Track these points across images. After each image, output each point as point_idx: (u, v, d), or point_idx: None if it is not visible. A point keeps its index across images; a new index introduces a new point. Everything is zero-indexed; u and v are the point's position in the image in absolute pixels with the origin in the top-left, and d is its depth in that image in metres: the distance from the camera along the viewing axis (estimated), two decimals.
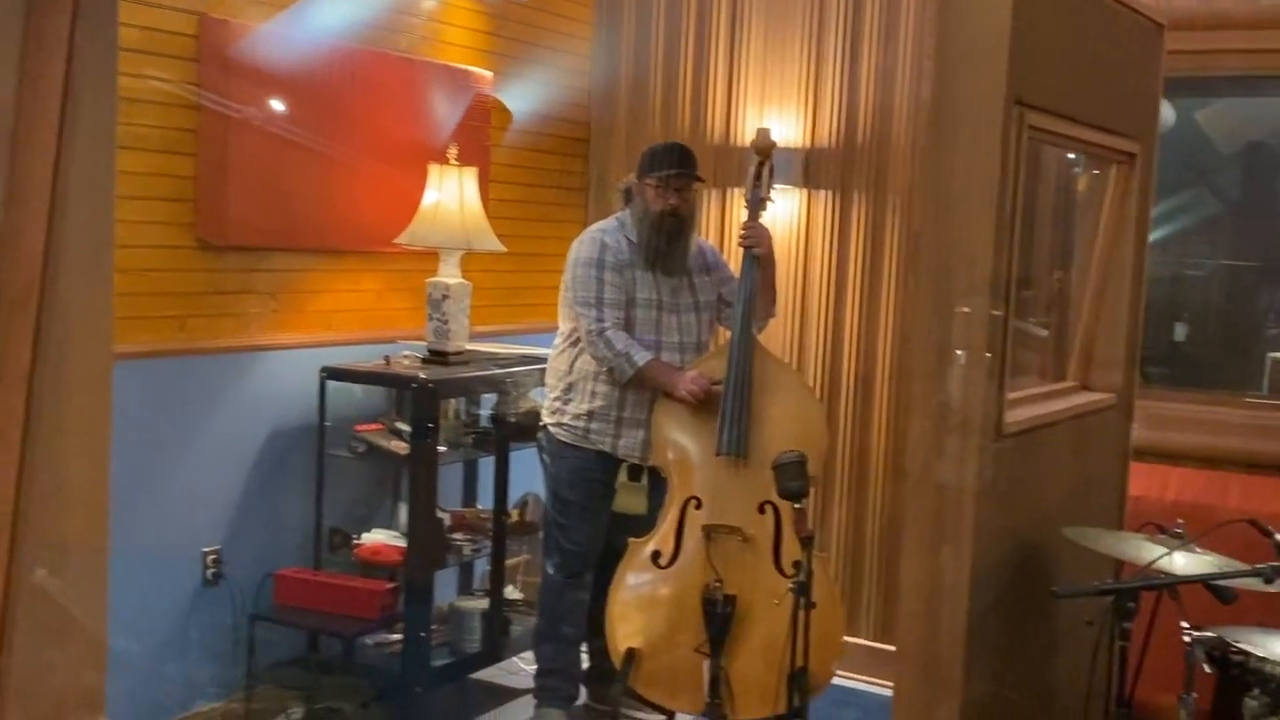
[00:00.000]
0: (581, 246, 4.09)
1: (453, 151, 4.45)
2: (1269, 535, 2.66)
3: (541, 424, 4.21)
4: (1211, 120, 5.75)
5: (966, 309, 2.68)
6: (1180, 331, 5.36)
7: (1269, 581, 2.61)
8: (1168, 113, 4.39)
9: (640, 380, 3.98)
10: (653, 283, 4.07)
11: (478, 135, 4.84)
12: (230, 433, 4.07)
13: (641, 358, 3.96)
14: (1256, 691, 2.91)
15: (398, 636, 4.27)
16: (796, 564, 3.38)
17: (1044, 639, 3.35)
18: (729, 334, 4.09)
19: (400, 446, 4.25)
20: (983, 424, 2.77)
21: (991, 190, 2.75)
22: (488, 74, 4.89)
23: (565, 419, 4.11)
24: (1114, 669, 2.71)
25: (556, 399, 4.15)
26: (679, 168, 4.03)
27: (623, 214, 4.16)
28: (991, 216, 2.69)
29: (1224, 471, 4.20)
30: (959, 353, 2.74)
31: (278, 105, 4.06)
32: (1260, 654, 2.95)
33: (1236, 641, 2.96)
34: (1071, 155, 4.31)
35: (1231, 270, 5.73)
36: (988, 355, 2.71)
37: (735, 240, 4.23)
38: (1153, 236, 3.92)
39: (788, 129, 4.90)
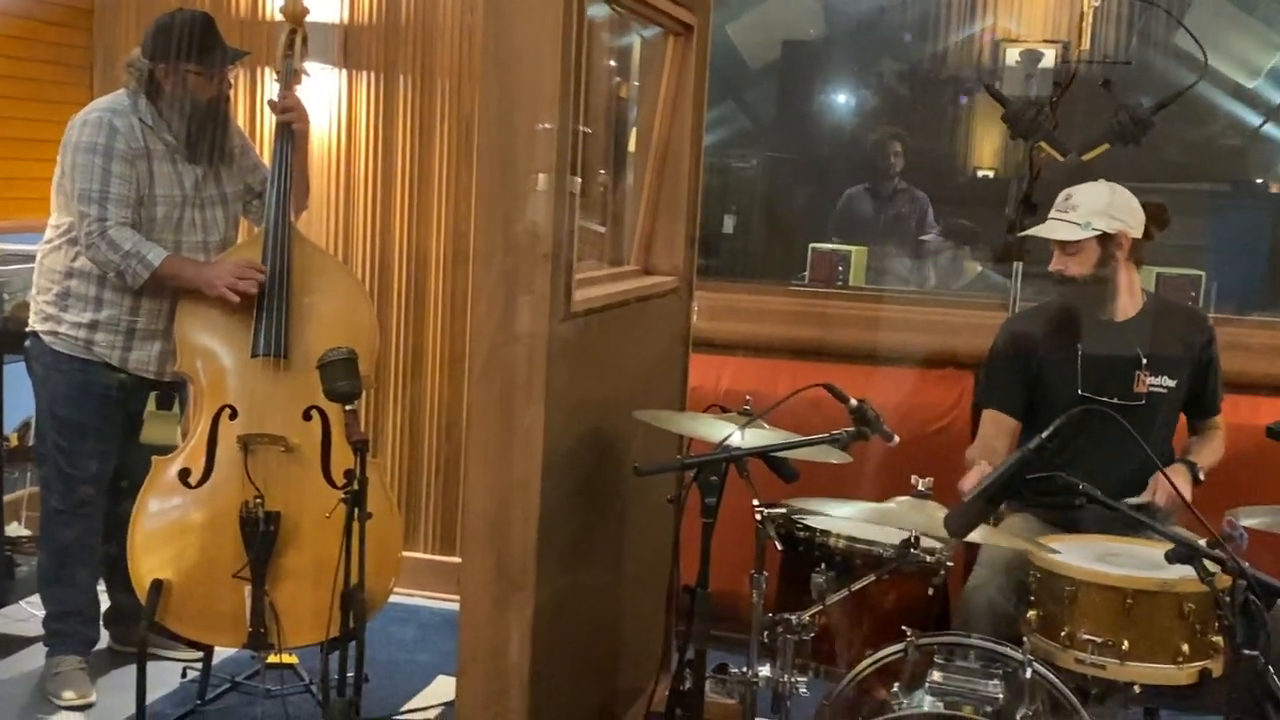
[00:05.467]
0: (84, 129, 3.47)
1: None
2: (844, 400, 2.62)
3: (30, 330, 3.60)
4: (742, 33, 5.85)
5: (541, 175, 2.44)
6: (728, 224, 5.46)
7: (845, 447, 2.57)
8: None
9: (160, 281, 3.47)
10: (173, 175, 3.54)
11: None
12: None
13: (156, 255, 3.43)
14: (823, 566, 2.90)
15: None
16: (348, 473, 3.09)
17: (622, 526, 3.23)
18: (254, 230, 3.68)
19: None
20: (552, 303, 2.55)
21: (555, 58, 2.50)
22: None
23: (62, 328, 3.53)
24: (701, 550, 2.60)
25: (50, 304, 3.55)
26: (218, 53, 3.53)
27: (134, 91, 3.57)
28: (556, 85, 2.45)
29: (773, 359, 4.24)
30: (526, 225, 2.49)
31: None
32: (824, 528, 2.94)
33: (802, 516, 2.93)
34: (614, 62, 4.21)
35: (775, 164, 5.89)
36: (554, 229, 2.48)
37: (268, 122, 3.78)
38: None
39: (323, 1, 4.45)
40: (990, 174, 5.99)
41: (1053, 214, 3.32)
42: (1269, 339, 4.06)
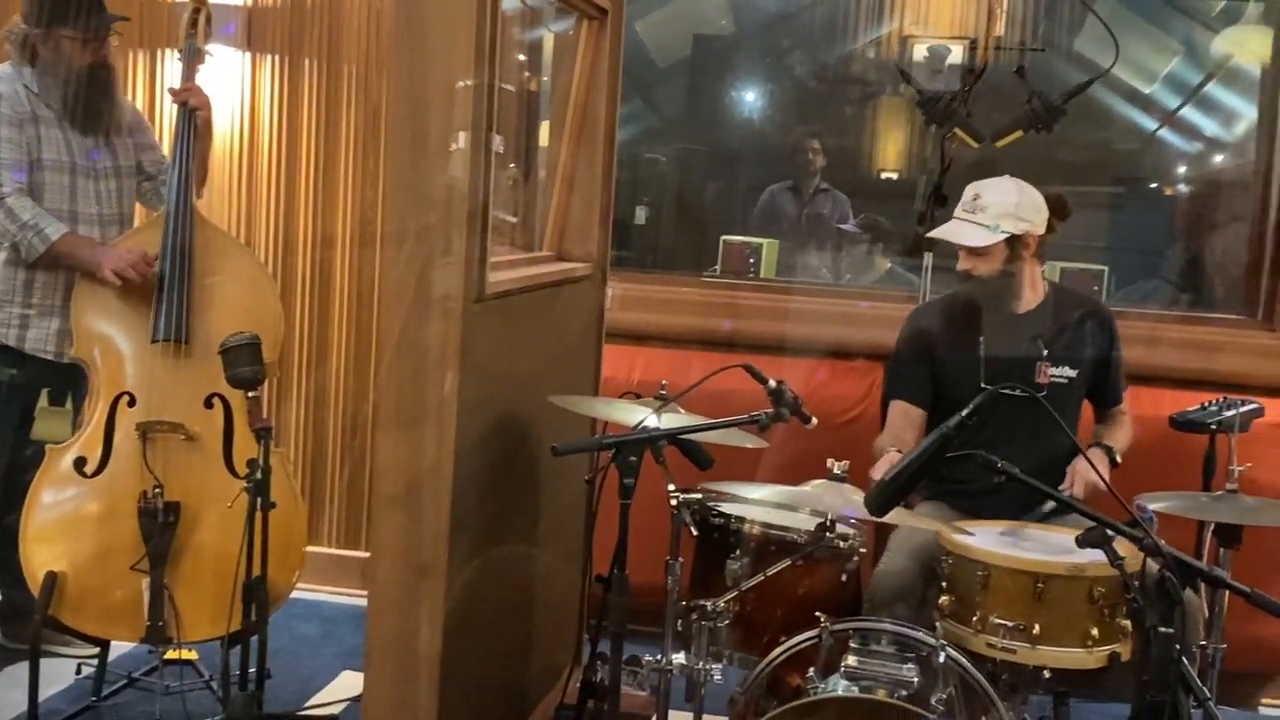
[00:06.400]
0: None
1: None
2: (763, 381, 2.60)
3: None
4: (650, 30, 5.83)
5: (457, 144, 2.37)
6: (640, 215, 5.43)
7: (765, 428, 2.55)
8: None
9: (54, 258, 3.36)
10: (63, 141, 3.46)
11: None
12: None
13: (55, 230, 3.34)
14: (737, 553, 2.88)
15: None
16: (251, 462, 3.03)
17: (536, 512, 3.19)
18: (150, 213, 3.59)
19: None
20: (465, 285, 2.49)
21: (469, 32, 2.45)
22: None
23: None
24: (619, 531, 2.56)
25: None
26: (95, 18, 3.43)
27: (17, 60, 3.47)
28: (472, 40, 2.39)
29: (685, 350, 4.22)
30: (445, 183, 2.43)
31: None
32: (738, 514, 2.92)
33: (716, 504, 2.92)
34: (524, 57, 4.17)
35: (686, 157, 5.89)
36: (472, 189, 2.43)
37: (170, 105, 3.68)
38: None
39: None
40: (895, 175, 6.04)
41: (960, 213, 3.33)
42: (1169, 332, 4.14)
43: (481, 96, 2.45)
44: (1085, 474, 3.20)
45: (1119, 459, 3.36)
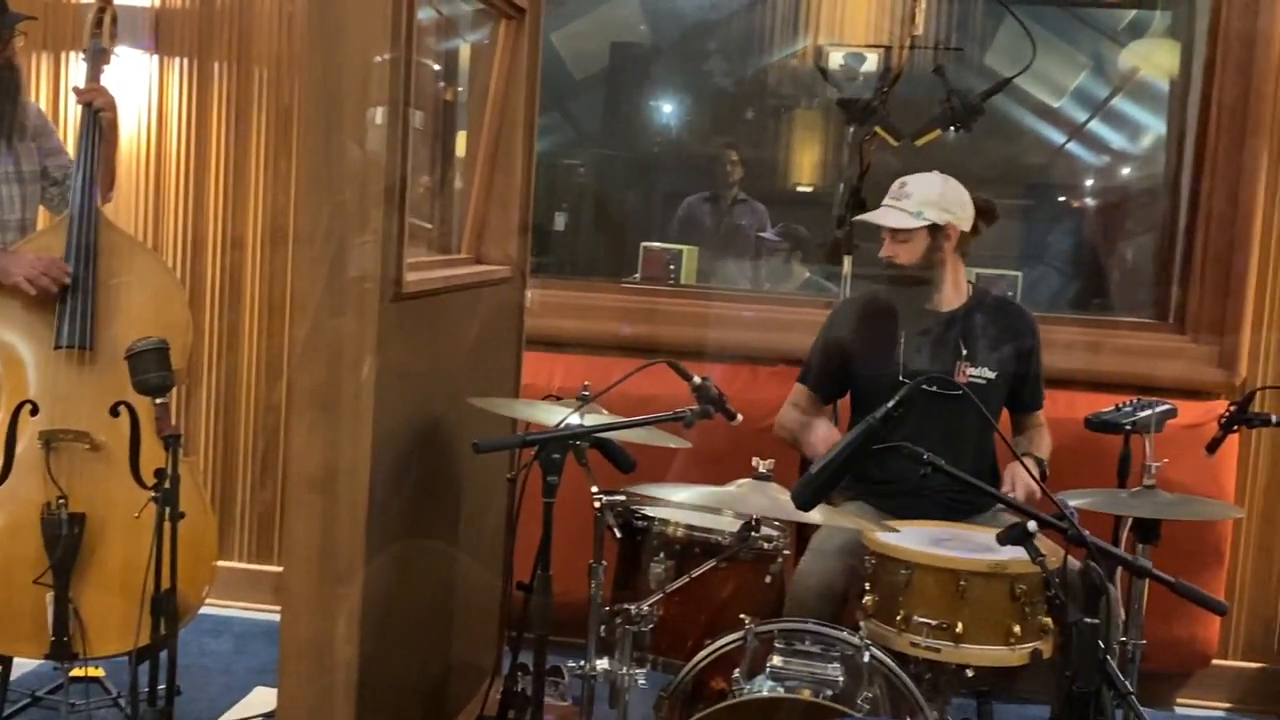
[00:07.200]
0: None
1: None
2: (687, 378, 2.58)
3: None
4: (566, 41, 5.81)
5: (374, 120, 2.31)
6: (560, 221, 5.40)
7: (690, 425, 2.53)
8: None
9: None
10: None
11: None
12: None
13: None
14: (661, 555, 2.85)
15: None
16: (159, 471, 2.93)
17: (455, 518, 3.13)
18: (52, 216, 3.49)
19: None
20: (382, 283, 2.43)
21: (386, 18, 2.39)
22: None
23: None
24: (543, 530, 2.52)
25: None
26: (1, 16, 3.33)
27: None
28: (387, 30, 2.34)
29: (605, 356, 4.19)
30: (360, 159, 2.36)
31: None
32: (662, 517, 2.89)
33: (639, 506, 2.88)
34: (440, 66, 4.13)
35: (606, 163, 5.86)
36: (384, 187, 2.37)
37: (75, 108, 3.58)
38: None
39: None
40: (810, 189, 6.08)
41: (887, 200, 3.36)
42: (1081, 336, 4.19)
43: (399, 72, 2.40)
44: (1025, 479, 3.22)
45: (1048, 471, 3.39)
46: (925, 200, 3.29)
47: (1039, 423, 3.54)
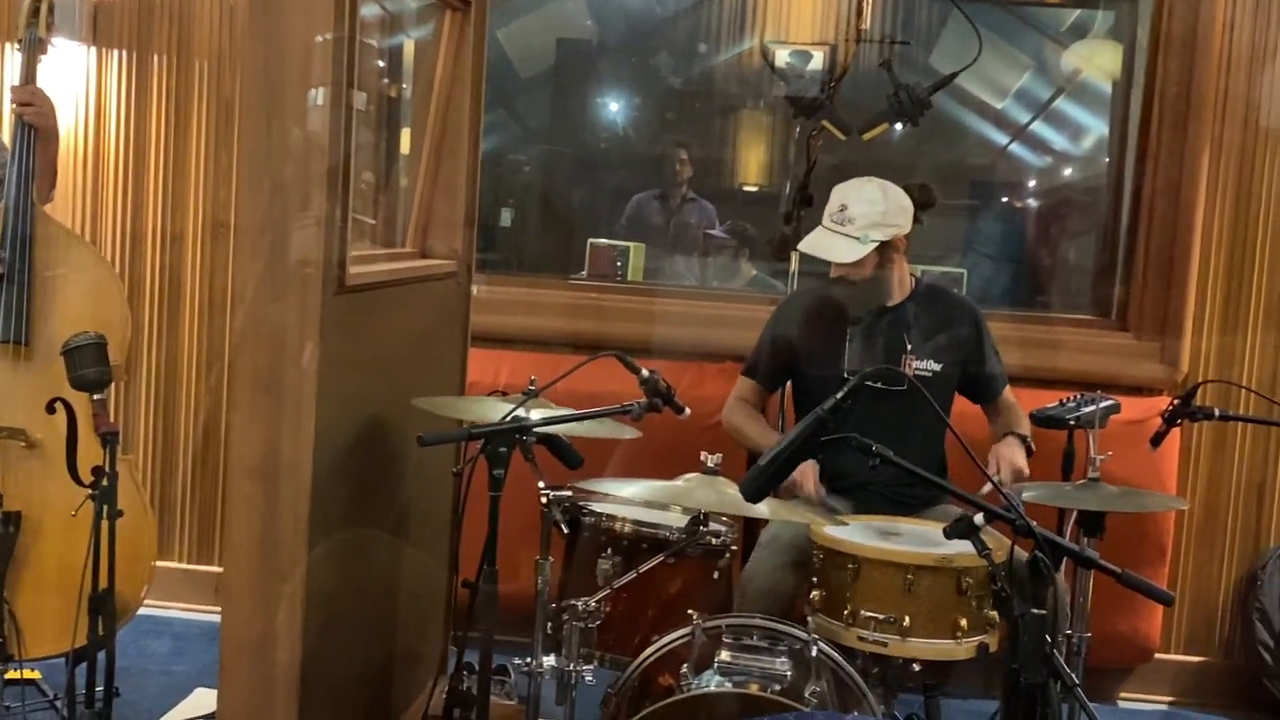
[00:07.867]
0: None
1: None
2: (635, 371, 2.56)
3: None
4: (513, 38, 5.77)
5: (315, 100, 2.27)
6: (506, 217, 5.36)
7: (638, 418, 2.51)
8: None
9: None
10: None
11: None
12: None
13: None
14: (609, 551, 2.83)
15: None
16: (96, 469, 2.87)
17: (400, 515, 3.10)
18: None
19: None
20: (325, 270, 2.39)
21: (328, 11, 2.36)
22: None
23: None
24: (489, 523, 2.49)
25: None
26: None
27: None
28: (330, 10, 2.30)
29: (552, 354, 4.16)
30: (302, 139, 2.32)
31: None
32: (609, 512, 2.87)
33: (586, 502, 2.86)
34: (384, 64, 4.08)
35: (553, 160, 5.83)
36: (327, 167, 2.33)
37: (8, 100, 3.51)
38: None
39: None
40: (756, 188, 6.08)
41: (829, 223, 3.29)
42: (1025, 333, 4.21)
43: (341, 52, 2.36)
44: (1011, 458, 3.20)
45: (1033, 446, 3.36)
46: (869, 222, 3.23)
47: (1010, 402, 3.49)
